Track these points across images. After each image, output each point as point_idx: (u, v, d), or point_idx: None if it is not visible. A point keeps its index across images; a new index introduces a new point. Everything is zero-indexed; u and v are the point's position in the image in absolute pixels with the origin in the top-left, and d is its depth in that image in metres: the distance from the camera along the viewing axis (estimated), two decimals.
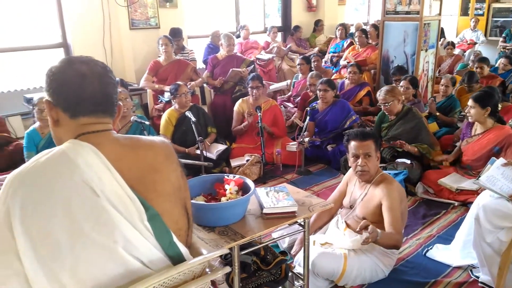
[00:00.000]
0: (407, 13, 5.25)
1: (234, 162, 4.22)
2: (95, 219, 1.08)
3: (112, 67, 5.25)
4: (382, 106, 3.94)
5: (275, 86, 5.89)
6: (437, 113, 4.66)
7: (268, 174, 4.13)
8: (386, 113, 4.00)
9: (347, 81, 5.43)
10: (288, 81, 6.12)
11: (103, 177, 1.12)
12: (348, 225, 2.46)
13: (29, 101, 4.71)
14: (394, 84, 4.66)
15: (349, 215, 2.52)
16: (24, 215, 1.05)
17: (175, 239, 1.22)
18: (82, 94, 1.18)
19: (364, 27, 7.40)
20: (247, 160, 4.11)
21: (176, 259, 1.21)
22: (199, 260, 1.22)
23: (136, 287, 1.07)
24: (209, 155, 4.02)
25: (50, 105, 1.20)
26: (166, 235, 1.19)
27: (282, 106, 5.45)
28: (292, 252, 2.51)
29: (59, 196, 1.08)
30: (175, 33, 5.53)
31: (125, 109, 3.67)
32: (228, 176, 1.95)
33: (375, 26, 6.44)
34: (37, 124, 3.59)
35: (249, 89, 4.56)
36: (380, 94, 3.93)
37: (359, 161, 2.45)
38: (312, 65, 5.89)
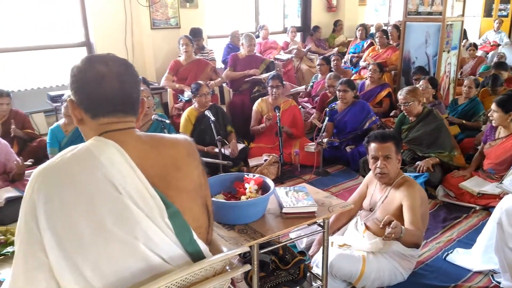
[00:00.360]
0: (429, 13, 5.18)
1: (252, 162, 4.24)
2: (117, 216, 1.10)
3: None
4: (402, 106, 3.89)
5: (294, 89, 5.87)
6: (463, 121, 4.56)
7: (285, 175, 4.13)
8: (406, 114, 3.95)
9: (367, 82, 5.39)
10: (303, 87, 6.07)
11: (125, 174, 1.14)
12: (367, 227, 2.44)
13: (52, 98, 4.82)
14: (415, 85, 4.60)
15: (369, 218, 2.50)
16: (49, 210, 1.08)
17: (195, 236, 1.23)
18: (101, 95, 1.18)
19: (384, 27, 7.33)
20: (265, 160, 4.11)
21: (196, 256, 1.22)
22: (220, 257, 1.23)
23: (158, 282, 1.08)
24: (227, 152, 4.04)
25: (74, 104, 1.22)
26: (187, 232, 1.21)
27: (300, 106, 5.44)
28: (310, 252, 2.51)
29: (83, 192, 1.10)
30: (195, 33, 5.58)
31: (147, 107, 3.72)
32: (248, 175, 1.97)
33: (396, 27, 6.36)
34: (62, 121, 3.67)
35: (268, 88, 4.56)
36: (401, 94, 3.88)
37: (378, 163, 2.43)
38: (332, 65, 5.86)
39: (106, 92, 1.19)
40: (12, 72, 5.05)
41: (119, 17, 5.34)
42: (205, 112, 4.07)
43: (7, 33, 5.01)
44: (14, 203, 3.21)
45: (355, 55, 7.04)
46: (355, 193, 2.73)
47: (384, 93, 5.25)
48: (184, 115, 4.29)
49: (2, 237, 2.82)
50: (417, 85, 4.49)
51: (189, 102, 4.76)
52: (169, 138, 1.31)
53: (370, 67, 5.30)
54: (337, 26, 8.05)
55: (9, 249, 2.75)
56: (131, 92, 1.23)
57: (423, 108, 3.89)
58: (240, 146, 4.29)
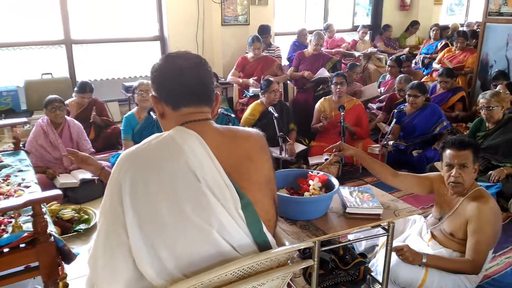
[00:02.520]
0: None
1: (312, 160, 4.21)
2: (195, 202, 1.16)
3: None
4: (482, 111, 3.65)
5: (367, 94, 5.70)
6: None
7: (346, 175, 4.06)
8: (485, 120, 3.70)
9: (439, 84, 5.14)
10: (378, 91, 5.87)
11: (204, 163, 1.19)
12: (433, 236, 2.34)
13: (127, 89, 5.12)
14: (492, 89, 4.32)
15: (436, 227, 2.39)
16: (134, 192, 1.15)
17: (264, 228, 1.26)
18: (181, 86, 1.27)
19: (461, 28, 6.94)
20: (326, 159, 4.06)
21: (263, 246, 1.26)
22: (286, 249, 1.25)
23: (228, 267, 1.13)
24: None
25: (156, 99, 1.31)
26: (257, 224, 1.24)
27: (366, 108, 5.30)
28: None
29: (166, 178, 1.17)
30: (264, 30, 5.65)
31: None
32: (312, 172, 1.97)
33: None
34: (135, 109, 3.89)
35: (332, 85, 4.49)
36: (483, 97, 3.63)
37: (453, 171, 2.26)
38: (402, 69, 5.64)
39: (185, 84, 1.27)
40: (91, 62, 5.42)
41: (192, 13, 5.53)
42: (269, 108, 4.11)
43: (89, 26, 5.37)
44: (88, 184, 3.48)
45: (428, 56, 6.73)
46: (417, 177, 2.52)
47: (457, 97, 4.98)
48: (249, 109, 4.36)
49: (76, 215, 3.07)
50: None
51: (253, 97, 4.83)
52: (243, 130, 1.36)
53: (439, 78, 5.02)
54: (413, 27, 7.72)
55: (82, 226, 2.99)
56: (207, 84, 1.31)
57: (502, 115, 3.64)
58: (301, 147, 4.29)
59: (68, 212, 2.97)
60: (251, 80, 4.99)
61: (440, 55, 6.14)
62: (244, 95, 5.15)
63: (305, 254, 1.91)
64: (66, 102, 4.31)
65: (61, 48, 5.20)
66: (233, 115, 3.85)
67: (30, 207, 1.72)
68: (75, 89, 4.39)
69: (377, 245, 2.52)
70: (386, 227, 1.92)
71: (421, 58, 6.77)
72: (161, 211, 1.14)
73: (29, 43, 5.04)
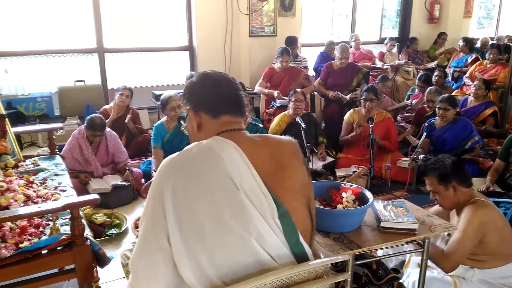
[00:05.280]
0: None
1: (339, 172, 4.18)
2: (234, 210, 1.17)
3: (229, 71, 5.59)
4: None
5: (395, 106, 5.64)
6: None
7: (375, 189, 4.00)
8: None
9: (470, 98, 5.04)
10: (405, 102, 5.81)
11: (242, 172, 1.21)
12: None
13: (156, 97, 5.21)
14: None
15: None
16: (175, 198, 1.17)
17: (301, 238, 1.26)
18: (220, 95, 1.34)
19: (491, 42, 6.81)
20: (354, 172, 4.03)
21: (301, 257, 1.25)
22: (325, 261, 1.24)
23: (267, 277, 1.13)
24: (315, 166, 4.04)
25: (193, 111, 1.36)
26: (294, 234, 1.24)
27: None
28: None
29: (206, 184, 1.19)
30: (291, 41, 5.68)
31: None
32: (345, 184, 1.95)
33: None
34: (164, 118, 3.95)
35: (362, 100, 4.46)
36: None
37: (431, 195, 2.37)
38: (433, 80, 5.55)
39: (223, 93, 1.35)
40: (122, 70, 5.54)
41: (221, 24, 5.62)
42: (297, 119, 4.12)
43: (120, 35, 5.51)
44: (119, 190, 3.54)
45: (457, 69, 6.61)
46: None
47: (489, 111, 4.87)
48: (276, 119, 4.38)
49: (108, 219, 3.13)
50: None
51: (280, 108, 4.84)
52: (274, 138, 1.38)
53: (476, 82, 4.94)
54: (440, 38, 7.63)
55: (113, 230, 3.03)
56: (240, 95, 1.39)
57: None
58: (328, 159, 4.27)
59: (100, 216, 3.03)
60: (275, 93, 5.00)
61: (471, 69, 6.02)
62: (271, 105, 5.17)
63: (337, 267, 1.88)
64: (105, 107, 4.42)
65: (94, 56, 5.35)
66: (261, 125, 3.87)
67: (68, 210, 1.76)
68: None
69: (405, 261, 2.48)
70: (421, 243, 1.88)
71: (451, 72, 6.65)
72: (200, 217, 1.16)
73: (63, 51, 5.21)
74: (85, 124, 3.66)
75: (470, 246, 2.14)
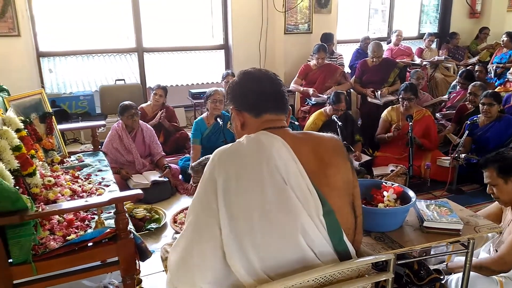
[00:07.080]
0: None
1: (376, 171, 4.10)
2: (282, 204, 1.17)
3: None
4: None
5: (430, 101, 5.48)
6: None
7: (413, 188, 3.84)
8: None
9: None
10: (444, 97, 5.63)
11: (290, 167, 1.21)
12: (496, 252, 2.21)
13: (193, 95, 5.30)
14: None
15: (498, 243, 2.27)
16: (227, 188, 1.19)
17: (344, 237, 1.25)
18: (262, 94, 1.34)
19: None
20: (392, 171, 3.94)
21: (344, 255, 1.24)
22: (368, 259, 1.23)
23: (312, 273, 1.12)
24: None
25: (237, 111, 1.36)
26: (337, 232, 1.24)
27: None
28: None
29: (256, 177, 1.20)
30: (327, 38, 5.62)
31: None
32: (386, 183, 1.92)
33: None
34: (205, 114, 4.01)
35: (400, 99, 4.35)
36: None
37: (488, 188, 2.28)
38: (475, 76, 5.34)
39: (266, 91, 1.34)
40: (160, 69, 5.66)
41: (257, 22, 5.63)
42: (333, 116, 4.07)
43: (159, 35, 5.63)
44: (158, 185, 3.62)
45: (501, 65, 6.33)
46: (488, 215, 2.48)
47: None
48: (312, 117, 4.34)
49: (148, 214, 3.21)
50: None
51: (315, 105, 4.80)
52: (316, 135, 1.37)
53: None
54: (482, 33, 7.34)
55: (153, 225, 3.11)
56: (283, 92, 1.37)
57: None
58: (365, 157, 4.20)
59: (140, 211, 3.11)
60: (311, 90, 4.96)
61: None
62: (306, 103, 5.13)
63: (377, 266, 1.85)
64: (142, 105, 4.54)
65: (134, 56, 5.49)
66: (296, 123, 3.87)
67: (112, 204, 1.82)
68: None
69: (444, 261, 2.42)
70: (466, 244, 1.82)
71: (493, 68, 6.38)
72: (250, 207, 1.17)
73: (104, 51, 5.38)
74: (118, 112, 3.81)
75: None
